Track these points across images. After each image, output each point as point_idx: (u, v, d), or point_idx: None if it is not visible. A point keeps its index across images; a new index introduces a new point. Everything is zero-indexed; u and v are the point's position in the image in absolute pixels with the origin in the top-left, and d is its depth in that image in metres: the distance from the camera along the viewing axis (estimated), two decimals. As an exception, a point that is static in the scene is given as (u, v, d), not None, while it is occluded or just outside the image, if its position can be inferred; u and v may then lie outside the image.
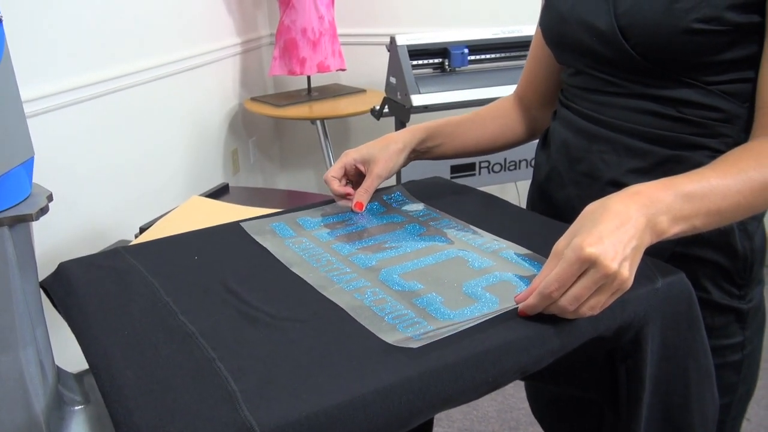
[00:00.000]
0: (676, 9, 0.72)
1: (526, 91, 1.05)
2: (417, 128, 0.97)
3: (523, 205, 0.99)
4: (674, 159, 0.79)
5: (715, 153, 0.76)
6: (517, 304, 0.67)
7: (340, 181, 0.95)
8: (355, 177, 0.97)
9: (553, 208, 0.94)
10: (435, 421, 1.29)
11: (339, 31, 2.87)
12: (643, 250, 0.64)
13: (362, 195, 0.93)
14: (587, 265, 0.60)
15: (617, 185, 0.79)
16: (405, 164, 0.97)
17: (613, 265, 0.60)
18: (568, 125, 0.91)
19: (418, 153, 0.98)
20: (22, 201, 0.61)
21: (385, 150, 0.93)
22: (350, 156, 0.94)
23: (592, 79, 0.85)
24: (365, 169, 0.94)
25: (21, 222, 0.59)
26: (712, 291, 0.83)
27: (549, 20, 0.90)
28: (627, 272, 0.62)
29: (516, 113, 1.05)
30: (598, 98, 0.85)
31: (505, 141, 1.04)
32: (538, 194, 0.99)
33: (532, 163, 2.37)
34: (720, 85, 0.76)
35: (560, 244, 0.64)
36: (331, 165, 2.96)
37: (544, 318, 0.66)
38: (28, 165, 0.62)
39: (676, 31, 0.72)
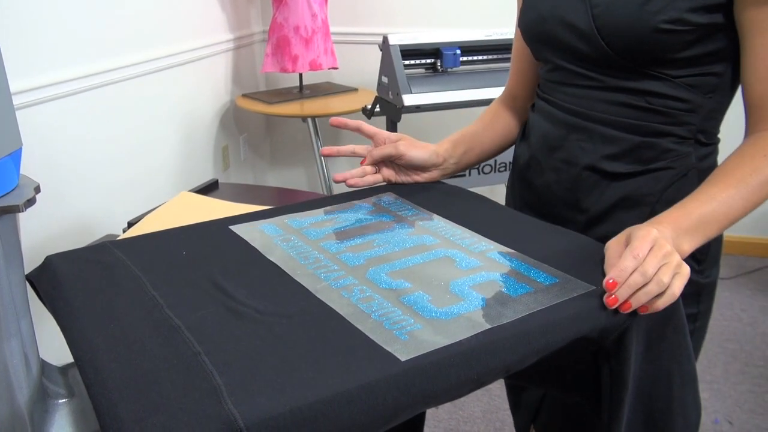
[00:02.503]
0: (646, 11, 0.79)
1: (517, 89, 1.10)
2: (443, 141, 1.04)
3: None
4: (644, 145, 0.86)
5: (680, 139, 0.86)
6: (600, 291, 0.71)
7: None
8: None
9: (533, 193, 1.00)
10: (425, 420, 1.30)
11: (332, 29, 2.87)
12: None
13: (372, 153, 0.99)
14: (654, 241, 0.69)
15: (593, 170, 0.90)
16: (432, 171, 1.02)
17: (668, 246, 0.70)
18: (547, 117, 0.96)
19: (447, 164, 1.03)
20: (9, 192, 0.60)
21: (414, 141, 1.01)
22: (385, 132, 1.01)
23: (569, 74, 0.91)
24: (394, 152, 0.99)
25: (7, 213, 0.59)
26: None
27: (529, 20, 0.95)
28: (677, 259, 0.69)
29: (509, 114, 1.10)
30: (574, 91, 0.91)
31: (509, 142, 1.10)
32: (519, 181, 1.04)
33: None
34: (685, 78, 0.83)
35: (612, 242, 0.74)
36: (322, 163, 2.97)
37: (528, 317, 0.67)
38: (15, 156, 0.62)
39: (647, 31, 0.79)
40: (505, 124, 1.09)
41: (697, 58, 0.81)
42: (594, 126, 0.89)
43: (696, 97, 0.84)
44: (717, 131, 0.89)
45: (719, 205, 0.76)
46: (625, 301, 0.68)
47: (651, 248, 0.69)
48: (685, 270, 0.70)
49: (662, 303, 0.69)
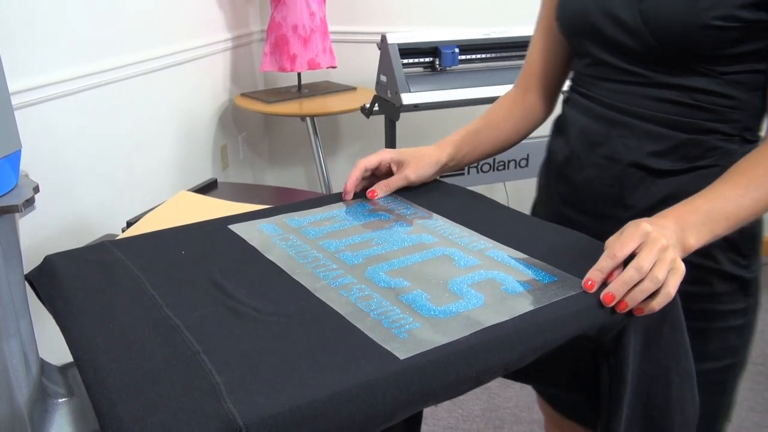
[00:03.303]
0: (697, 7, 0.78)
1: (533, 82, 1.08)
2: (446, 143, 1.03)
3: (511, 205, 1.00)
4: (690, 142, 0.85)
5: (726, 137, 0.85)
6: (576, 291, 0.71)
7: (365, 171, 1.00)
8: (382, 175, 1.02)
9: (573, 189, 0.98)
10: (422, 419, 1.30)
11: (330, 28, 2.87)
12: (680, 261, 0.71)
13: (382, 187, 0.99)
14: (645, 236, 0.69)
15: (638, 166, 0.88)
16: (433, 177, 1.03)
17: (663, 240, 0.69)
18: (586, 112, 0.95)
19: (446, 167, 1.03)
20: (8, 192, 0.60)
21: (419, 159, 1.00)
22: (387, 154, 1.00)
23: (612, 69, 0.90)
24: (396, 170, 1.00)
25: (6, 213, 0.59)
26: (722, 261, 0.89)
27: (570, 12, 0.94)
28: (673, 255, 0.69)
29: (521, 107, 1.09)
30: (617, 87, 0.90)
31: (518, 137, 1.09)
32: (557, 177, 1.02)
33: (521, 163, 2.39)
34: (732, 75, 0.82)
35: (610, 239, 0.73)
36: (320, 162, 2.97)
37: (526, 315, 0.67)
38: (13, 158, 0.61)
39: (696, 27, 0.79)
40: (514, 123, 1.08)
41: (745, 54, 0.81)
42: (638, 122, 0.88)
43: (742, 94, 0.83)
44: (762, 128, 0.88)
45: (727, 202, 0.76)
46: (621, 300, 0.68)
47: (642, 244, 0.69)
48: (680, 267, 0.70)
49: (657, 303, 0.69)
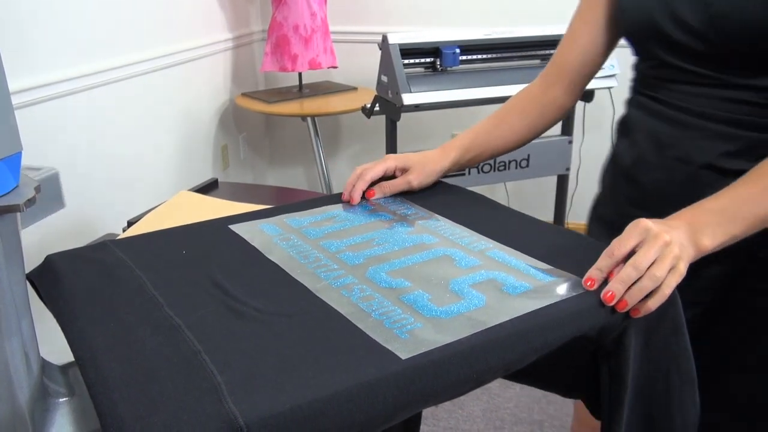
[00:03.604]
0: None
1: (561, 75, 1.05)
2: (451, 148, 1.03)
3: (512, 205, 1.00)
4: (763, 142, 0.84)
5: None
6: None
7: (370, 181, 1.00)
8: (385, 178, 1.02)
9: (641, 191, 0.97)
10: (421, 419, 1.30)
11: (331, 28, 2.87)
12: (685, 261, 0.71)
13: (382, 189, 0.99)
14: (644, 234, 0.70)
15: (711, 168, 0.87)
16: (435, 182, 1.02)
17: (666, 236, 0.69)
18: (655, 114, 0.94)
19: (451, 171, 1.03)
20: (9, 192, 0.61)
21: (423, 166, 1.00)
22: (391, 161, 1.00)
23: (680, 71, 0.89)
24: (399, 175, 1.00)
25: (8, 212, 0.59)
26: None
27: (632, 15, 0.92)
28: (676, 252, 0.69)
29: (540, 104, 1.06)
30: (687, 89, 0.89)
31: (532, 136, 1.07)
32: (624, 180, 1.01)
33: (522, 163, 2.39)
34: None
35: (616, 240, 0.72)
36: (321, 162, 2.97)
37: (527, 316, 0.67)
38: (12, 160, 0.61)
39: None
40: (529, 121, 1.05)
41: None
42: (709, 124, 0.87)
43: None
44: None
45: (743, 202, 0.75)
46: (621, 299, 0.68)
47: (642, 241, 0.70)
48: (681, 267, 0.70)
49: (653, 303, 0.69)
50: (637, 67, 0.98)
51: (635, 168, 0.98)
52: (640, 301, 0.69)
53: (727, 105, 0.85)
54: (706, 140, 0.87)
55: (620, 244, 0.70)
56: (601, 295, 0.69)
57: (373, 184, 1.00)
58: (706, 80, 0.86)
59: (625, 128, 1.02)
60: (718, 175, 0.87)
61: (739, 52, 0.81)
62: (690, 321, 0.81)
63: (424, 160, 1.00)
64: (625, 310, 0.69)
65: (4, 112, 0.58)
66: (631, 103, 1.01)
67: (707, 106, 0.87)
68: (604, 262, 0.71)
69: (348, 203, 0.98)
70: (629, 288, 0.68)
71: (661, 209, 0.93)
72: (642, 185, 0.96)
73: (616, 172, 1.04)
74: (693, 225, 0.73)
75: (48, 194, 0.70)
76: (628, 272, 0.68)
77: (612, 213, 1.03)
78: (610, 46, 1.00)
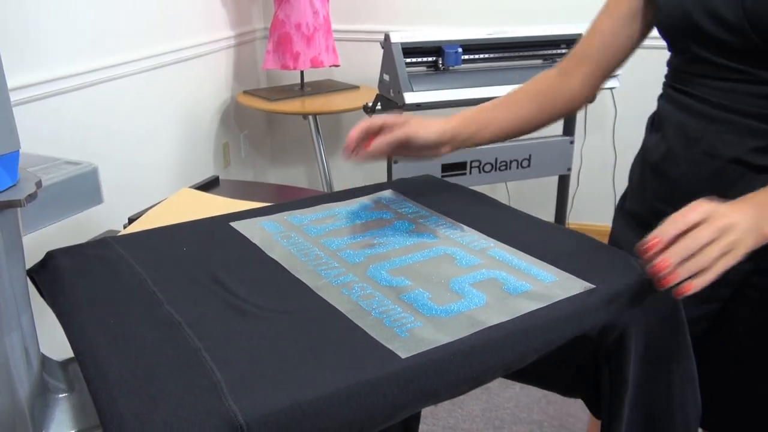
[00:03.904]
0: None
1: (582, 65, 1.03)
2: (453, 117, 0.98)
3: (513, 204, 1.00)
4: None
5: None
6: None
7: (369, 131, 0.94)
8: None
9: (669, 186, 0.97)
10: (420, 418, 1.30)
11: (333, 26, 2.87)
12: (743, 247, 0.70)
13: (381, 141, 0.92)
14: (709, 212, 0.68)
15: (739, 162, 0.87)
16: (436, 146, 0.96)
17: (729, 219, 0.68)
18: (685, 109, 0.93)
19: (455, 141, 0.97)
20: (10, 187, 0.60)
21: (423, 121, 0.94)
22: (393, 116, 0.95)
23: (712, 66, 0.88)
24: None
25: (9, 208, 0.59)
26: None
27: (667, 9, 0.91)
28: (734, 237, 0.68)
29: (555, 90, 1.04)
30: (718, 84, 0.88)
31: (541, 122, 1.04)
32: (652, 174, 1.00)
33: (523, 163, 2.39)
34: None
35: (677, 213, 0.70)
36: (322, 161, 2.96)
37: (527, 315, 0.67)
38: (9, 158, 0.61)
39: None
40: (540, 104, 1.02)
41: None
42: (740, 119, 0.86)
43: None
44: None
45: None
46: (673, 272, 0.65)
47: (705, 218, 0.68)
48: (737, 252, 0.68)
49: (699, 282, 0.66)
50: (671, 63, 0.98)
51: (664, 162, 0.97)
52: (686, 279, 0.66)
53: (758, 101, 0.85)
54: (735, 135, 0.87)
55: (684, 214, 0.68)
56: (656, 262, 0.66)
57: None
58: (738, 75, 0.86)
59: (654, 123, 1.02)
60: (746, 170, 0.87)
61: None
62: (705, 317, 0.81)
63: (424, 119, 0.96)
64: (670, 285, 0.66)
65: (2, 111, 0.58)
66: (662, 97, 1.00)
67: (738, 101, 0.86)
68: (666, 227, 0.67)
69: (349, 202, 0.98)
70: (684, 261, 0.66)
71: (688, 203, 0.93)
72: (670, 179, 0.96)
73: (644, 166, 1.03)
74: (760, 210, 0.72)
75: (86, 189, 0.70)
76: (687, 244, 0.66)
77: (639, 208, 1.02)
78: (633, 42, 0.99)
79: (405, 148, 0.94)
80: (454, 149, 0.98)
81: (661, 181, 0.98)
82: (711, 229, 0.67)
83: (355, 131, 0.93)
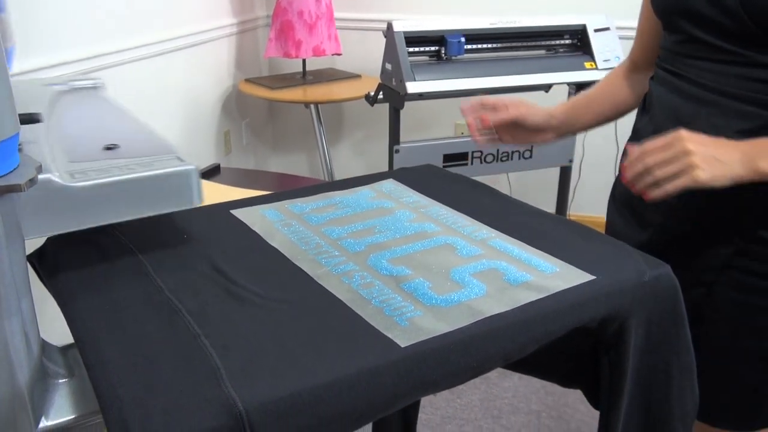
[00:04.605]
0: None
1: (639, 58, 1.09)
2: (557, 106, 1.09)
3: (514, 195, 0.99)
4: None
5: None
6: None
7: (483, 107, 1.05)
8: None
9: None
10: (419, 407, 1.30)
11: (336, 15, 2.85)
12: (728, 172, 0.77)
13: (493, 119, 1.02)
14: (668, 140, 0.77)
15: None
16: (548, 134, 1.07)
17: (679, 146, 0.76)
18: (675, 90, 0.94)
19: (562, 128, 1.08)
20: (11, 171, 0.60)
21: (533, 106, 1.05)
22: (505, 98, 1.05)
23: (704, 47, 0.89)
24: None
25: (9, 192, 0.58)
26: None
27: None
28: (698, 161, 0.75)
29: (627, 83, 1.10)
30: (709, 66, 0.89)
31: (616, 115, 1.11)
32: None
33: (525, 154, 2.38)
34: None
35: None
36: (324, 149, 2.96)
37: (528, 306, 0.67)
38: (8, 142, 0.61)
39: None
40: (613, 102, 1.09)
41: None
42: (728, 101, 0.87)
43: None
44: None
45: None
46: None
47: (667, 144, 0.77)
48: (695, 175, 0.75)
49: (654, 193, 0.77)
50: (664, 44, 0.98)
51: None
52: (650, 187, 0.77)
53: (749, 83, 0.85)
54: (722, 117, 0.87)
55: (656, 140, 0.77)
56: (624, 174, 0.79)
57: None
58: (732, 57, 0.86)
59: (645, 104, 1.03)
60: None
61: (764, 30, 0.81)
62: (691, 301, 0.81)
63: (531, 104, 1.05)
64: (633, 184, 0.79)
65: (2, 94, 0.58)
66: (653, 78, 1.01)
67: (729, 84, 0.86)
68: (633, 149, 0.78)
69: (350, 191, 0.98)
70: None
71: None
72: None
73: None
74: (752, 150, 0.76)
75: (179, 189, 0.72)
76: (645, 161, 0.77)
77: (628, 192, 1.02)
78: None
79: (514, 129, 1.04)
80: (557, 137, 1.08)
81: None
82: (666, 152, 0.76)
83: (468, 108, 1.03)
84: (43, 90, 0.99)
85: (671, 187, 0.76)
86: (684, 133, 0.77)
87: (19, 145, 0.68)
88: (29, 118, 0.80)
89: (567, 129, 1.08)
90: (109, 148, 0.76)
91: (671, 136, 0.77)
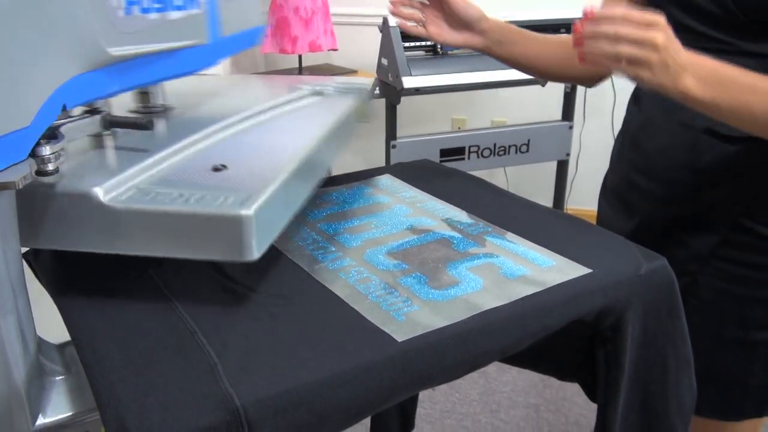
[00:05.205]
0: None
1: None
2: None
3: (511, 190, 0.99)
4: None
5: None
6: None
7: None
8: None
9: (644, 156, 0.97)
10: (417, 402, 1.31)
11: (331, 10, 2.85)
12: (668, 83, 0.72)
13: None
14: (641, 19, 0.70)
15: (711, 133, 0.87)
16: (476, 34, 1.00)
17: (650, 33, 0.70)
18: None
19: (491, 34, 1.00)
20: (5, 168, 0.60)
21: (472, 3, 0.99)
22: None
23: (691, 34, 0.87)
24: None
25: (4, 189, 0.58)
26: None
27: None
28: (656, 60, 0.70)
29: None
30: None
31: (562, 71, 1.05)
32: (630, 144, 1.01)
33: (522, 148, 2.38)
34: None
35: None
36: (320, 145, 2.94)
37: (524, 300, 0.67)
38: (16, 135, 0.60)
39: None
40: (566, 53, 1.02)
41: None
42: None
43: None
44: None
45: (746, 85, 0.75)
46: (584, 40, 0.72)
47: (639, 22, 0.70)
48: (647, 70, 0.71)
49: (592, 55, 0.72)
50: None
51: (641, 132, 0.98)
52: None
53: None
54: None
55: (631, 12, 0.71)
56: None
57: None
58: (719, 45, 0.85)
59: (636, 95, 1.02)
60: (717, 141, 0.87)
61: (752, 18, 0.81)
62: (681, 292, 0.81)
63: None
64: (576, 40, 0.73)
65: (13, 83, 0.57)
66: None
67: None
68: (606, 11, 0.71)
69: (347, 186, 0.97)
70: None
71: (661, 173, 0.94)
72: (646, 150, 0.96)
73: (624, 139, 1.03)
74: (690, 62, 0.73)
75: (226, 236, 0.63)
76: (605, 26, 0.70)
77: (617, 180, 1.03)
78: None
79: (443, 20, 1.00)
80: (484, 47, 1.00)
81: (637, 153, 0.99)
82: (638, 31, 0.70)
83: None
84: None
85: (613, 65, 0.72)
86: (663, 23, 0.71)
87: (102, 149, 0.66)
88: (131, 122, 0.73)
89: (495, 45, 1.00)
90: (217, 170, 0.68)
91: (652, 17, 0.71)
